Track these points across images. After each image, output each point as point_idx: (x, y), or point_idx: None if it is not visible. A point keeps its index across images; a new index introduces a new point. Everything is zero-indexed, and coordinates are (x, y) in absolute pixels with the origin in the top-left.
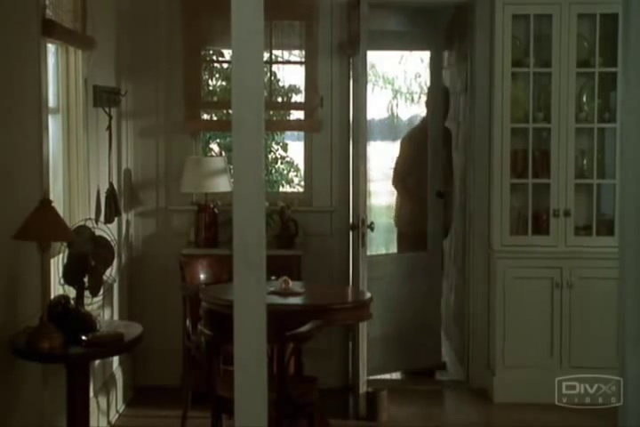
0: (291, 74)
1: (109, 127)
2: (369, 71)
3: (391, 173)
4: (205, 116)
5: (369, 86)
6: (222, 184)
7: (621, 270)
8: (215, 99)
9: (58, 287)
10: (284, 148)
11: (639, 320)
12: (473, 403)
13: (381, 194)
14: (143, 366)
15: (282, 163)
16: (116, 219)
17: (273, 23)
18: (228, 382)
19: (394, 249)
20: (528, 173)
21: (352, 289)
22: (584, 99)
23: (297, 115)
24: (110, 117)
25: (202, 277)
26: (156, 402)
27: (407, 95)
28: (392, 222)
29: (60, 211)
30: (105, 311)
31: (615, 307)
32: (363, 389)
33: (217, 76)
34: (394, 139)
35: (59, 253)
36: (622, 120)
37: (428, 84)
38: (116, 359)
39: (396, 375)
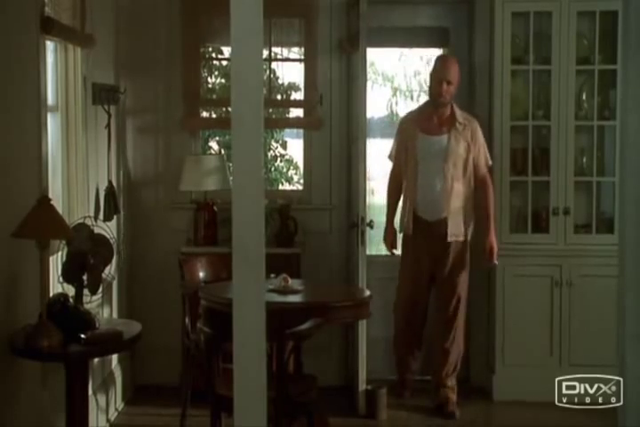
0: (290, 71)
1: (108, 125)
2: (368, 69)
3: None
4: (205, 114)
5: (368, 84)
6: (221, 182)
7: (621, 268)
8: (214, 96)
9: (57, 285)
10: (284, 145)
11: (639, 318)
12: (473, 401)
13: (382, 192)
14: (142, 364)
15: (281, 161)
16: (115, 217)
17: (272, 20)
18: (228, 380)
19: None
20: (528, 170)
21: (351, 287)
22: (584, 96)
23: (296, 112)
24: (109, 115)
25: (201, 275)
26: (155, 400)
27: (407, 93)
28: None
29: (59, 209)
30: (104, 309)
31: (615, 305)
32: (362, 387)
33: (216, 73)
34: (393, 137)
35: (58, 250)
36: (622, 118)
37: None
38: (115, 357)
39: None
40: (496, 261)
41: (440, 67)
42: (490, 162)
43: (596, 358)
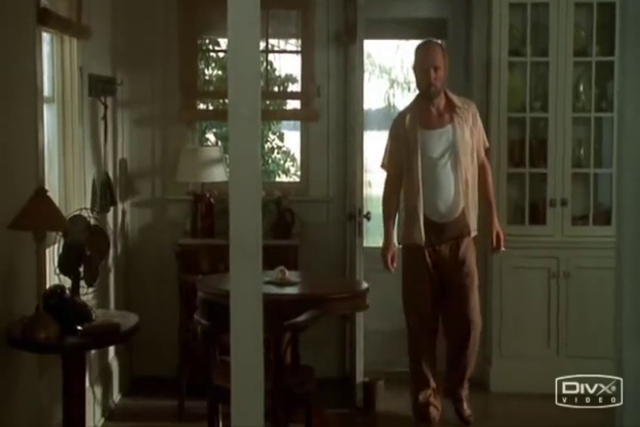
0: (287, 63)
1: (105, 116)
2: (365, 60)
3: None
4: (201, 106)
5: (365, 76)
6: (218, 174)
7: (618, 260)
8: (211, 88)
9: (53, 277)
10: (281, 137)
11: (636, 310)
12: (470, 393)
13: (380, 184)
14: (139, 356)
15: (278, 152)
16: (111, 208)
17: (269, 12)
18: (225, 371)
19: None
20: (525, 162)
21: (349, 279)
22: (581, 88)
23: (293, 104)
24: (106, 107)
25: (198, 267)
26: (152, 392)
27: (404, 85)
28: None
29: (56, 200)
30: (101, 301)
31: (612, 297)
32: (359, 379)
33: (213, 65)
34: None
35: (54, 242)
36: (619, 109)
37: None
38: (111, 349)
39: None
40: (504, 248)
41: (423, 54)
42: (487, 144)
43: (594, 350)
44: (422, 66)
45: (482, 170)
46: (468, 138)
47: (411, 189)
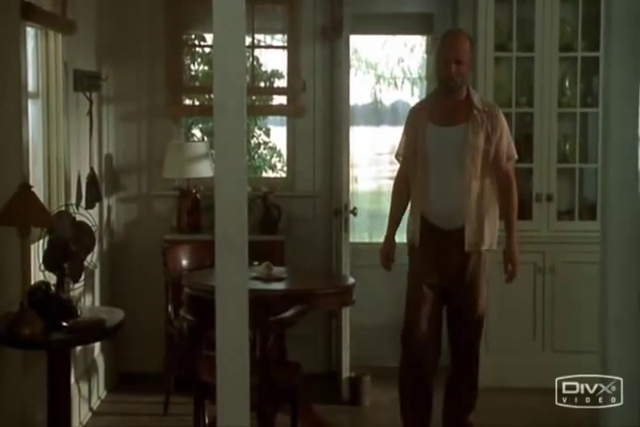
0: (273, 58)
1: (90, 112)
2: (351, 56)
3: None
4: (187, 101)
5: (352, 71)
6: (204, 169)
7: (603, 254)
8: (197, 83)
9: (38, 273)
10: (267, 133)
11: (621, 304)
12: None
13: (367, 179)
14: (125, 352)
15: (264, 148)
16: (97, 204)
17: (255, 7)
18: (211, 367)
19: (378, 237)
20: None
21: (335, 274)
22: (567, 83)
23: (279, 99)
24: (91, 102)
25: (184, 262)
26: (138, 388)
27: (390, 80)
28: (377, 208)
29: (40, 196)
30: (86, 297)
31: (597, 291)
32: (346, 374)
33: (199, 60)
34: (377, 124)
35: (39, 238)
36: (605, 105)
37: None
38: (97, 345)
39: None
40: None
41: (447, 44)
42: (515, 155)
43: (579, 345)
44: (443, 56)
45: (504, 184)
46: (480, 144)
47: (415, 187)
